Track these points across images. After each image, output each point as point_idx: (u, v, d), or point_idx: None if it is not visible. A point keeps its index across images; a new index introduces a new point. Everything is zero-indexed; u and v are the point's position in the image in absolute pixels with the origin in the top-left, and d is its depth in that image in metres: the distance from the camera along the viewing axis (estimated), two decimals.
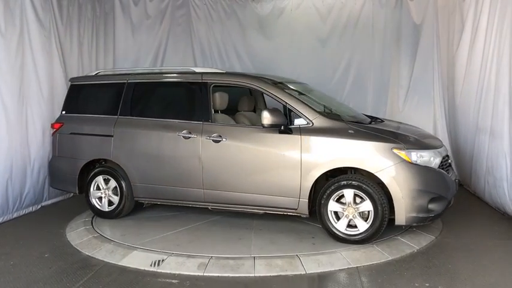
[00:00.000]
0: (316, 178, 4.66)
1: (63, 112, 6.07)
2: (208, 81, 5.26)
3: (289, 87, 5.44)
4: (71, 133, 5.83)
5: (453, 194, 4.76)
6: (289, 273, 4.07)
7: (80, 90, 6.06)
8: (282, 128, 4.72)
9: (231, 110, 5.65)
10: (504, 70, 5.33)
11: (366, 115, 5.73)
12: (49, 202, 6.61)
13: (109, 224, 5.52)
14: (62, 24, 6.87)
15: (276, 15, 8.49)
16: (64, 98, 6.56)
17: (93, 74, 6.17)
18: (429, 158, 4.57)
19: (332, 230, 4.67)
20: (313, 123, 4.72)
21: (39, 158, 6.36)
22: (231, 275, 4.07)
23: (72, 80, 6.26)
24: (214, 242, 4.78)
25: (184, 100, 5.59)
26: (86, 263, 4.41)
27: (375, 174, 4.49)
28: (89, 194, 5.75)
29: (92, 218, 5.75)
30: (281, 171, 4.78)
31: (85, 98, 6.01)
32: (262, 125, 4.74)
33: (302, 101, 4.93)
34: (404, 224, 4.50)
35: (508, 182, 5.26)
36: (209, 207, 5.29)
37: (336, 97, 7.14)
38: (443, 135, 7.61)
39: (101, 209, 5.71)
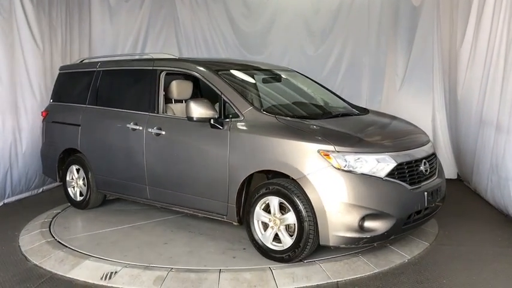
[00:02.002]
0: (242, 181, 4.05)
1: (51, 100, 6.07)
2: (158, 68, 4.85)
3: (256, 74, 5.04)
4: (52, 121, 5.83)
5: (411, 211, 3.84)
6: None
7: (64, 78, 6.00)
8: (212, 121, 4.16)
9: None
10: None
11: (352, 105, 5.11)
12: (13, 199, 6.10)
13: (69, 218, 5.34)
14: (32, 5, 6.25)
15: None
16: (28, 85, 6.32)
17: (78, 61, 6.05)
18: (375, 164, 3.69)
19: (256, 242, 4.02)
20: (244, 117, 4.11)
21: None
22: None
23: (60, 68, 6.15)
24: (135, 244, 4.40)
25: (137, 89, 5.11)
26: (29, 275, 3.87)
27: (297, 180, 3.75)
28: (65, 183, 5.72)
29: (53, 218, 5.25)
30: (211, 170, 4.24)
31: (67, 86, 5.93)
32: (188, 118, 4.20)
33: (237, 91, 4.31)
34: (330, 244, 3.68)
35: None
36: (157, 206, 5.00)
37: (328, 85, 6.54)
38: (443, 128, 7.07)
39: (74, 198, 5.67)
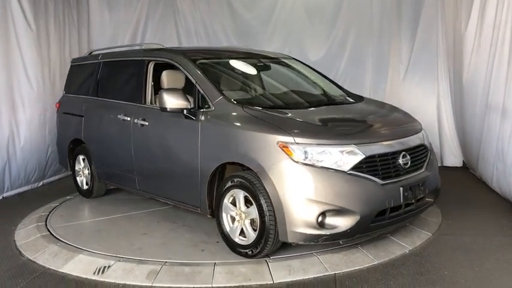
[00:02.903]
0: (211, 173, 3.94)
1: (64, 92, 6.18)
2: (147, 58, 4.81)
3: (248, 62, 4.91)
4: (63, 113, 5.96)
5: (381, 207, 3.56)
6: (253, 283, 3.43)
7: (74, 71, 6.12)
8: (185, 112, 4.07)
9: None
10: None
11: (348, 93, 4.91)
12: (12, 193, 6.05)
13: (68, 208, 5.40)
14: None
15: None
16: (25, 78, 6.26)
17: (87, 53, 6.13)
18: (340, 157, 3.45)
19: (225, 236, 3.91)
20: (214, 108, 4.00)
21: None
22: (184, 285, 3.44)
23: (72, 60, 6.29)
24: (116, 234, 4.45)
25: (128, 80, 5.10)
26: (22, 270, 3.82)
27: (257, 173, 3.60)
28: (74, 172, 5.87)
29: (50, 211, 5.20)
30: (185, 162, 4.19)
31: (76, 78, 6.04)
32: (161, 109, 4.12)
33: (211, 81, 4.18)
34: (288, 241, 3.52)
35: None
36: (146, 196, 5.02)
37: (331, 74, 6.41)
38: (448, 115, 6.92)
39: (81, 187, 5.79)
